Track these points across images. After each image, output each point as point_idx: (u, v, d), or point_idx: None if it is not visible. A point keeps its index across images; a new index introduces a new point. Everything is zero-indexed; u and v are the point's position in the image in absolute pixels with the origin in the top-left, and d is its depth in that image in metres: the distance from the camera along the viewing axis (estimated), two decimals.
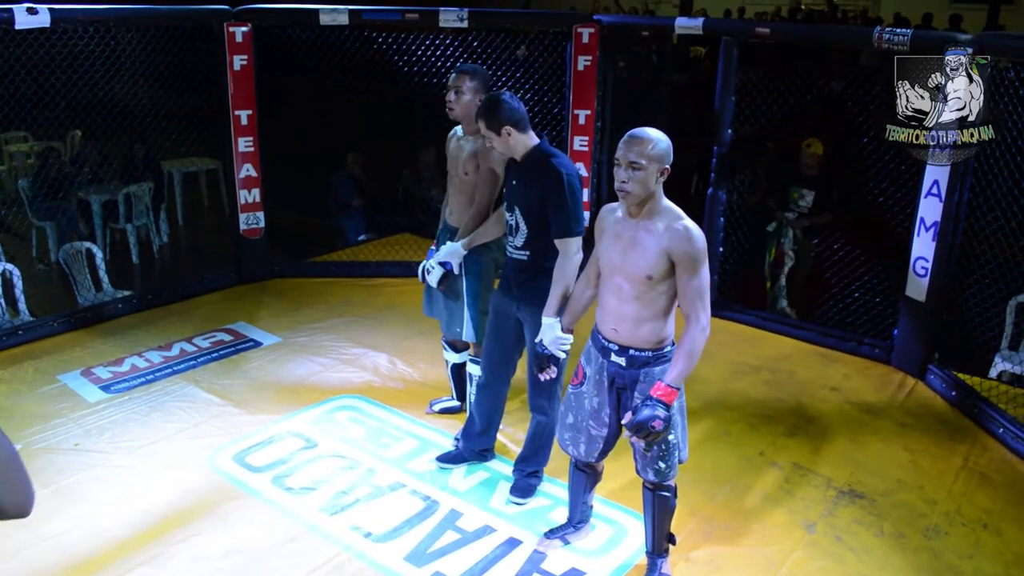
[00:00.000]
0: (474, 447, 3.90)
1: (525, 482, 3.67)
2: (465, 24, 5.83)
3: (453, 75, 3.72)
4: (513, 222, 3.40)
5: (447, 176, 3.98)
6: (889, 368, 5.10)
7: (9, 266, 5.29)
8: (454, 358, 4.24)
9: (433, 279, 3.85)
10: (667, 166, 2.72)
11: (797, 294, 5.97)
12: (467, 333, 3.93)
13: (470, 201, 3.82)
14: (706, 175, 5.90)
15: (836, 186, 5.88)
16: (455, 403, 4.39)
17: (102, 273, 5.75)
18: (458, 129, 3.91)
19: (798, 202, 5.77)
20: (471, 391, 4.07)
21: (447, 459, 3.94)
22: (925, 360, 4.93)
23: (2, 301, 5.18)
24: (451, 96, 3.71)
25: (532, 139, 3.35)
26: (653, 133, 2.73)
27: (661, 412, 2.68)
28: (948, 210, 4.61)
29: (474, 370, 4.00)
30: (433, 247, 4.03)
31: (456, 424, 4.16)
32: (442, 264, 3.81)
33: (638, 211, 2.77)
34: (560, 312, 3.24)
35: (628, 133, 2.75)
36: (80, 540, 3.35)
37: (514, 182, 3.40)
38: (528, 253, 3.39)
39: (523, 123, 3.32)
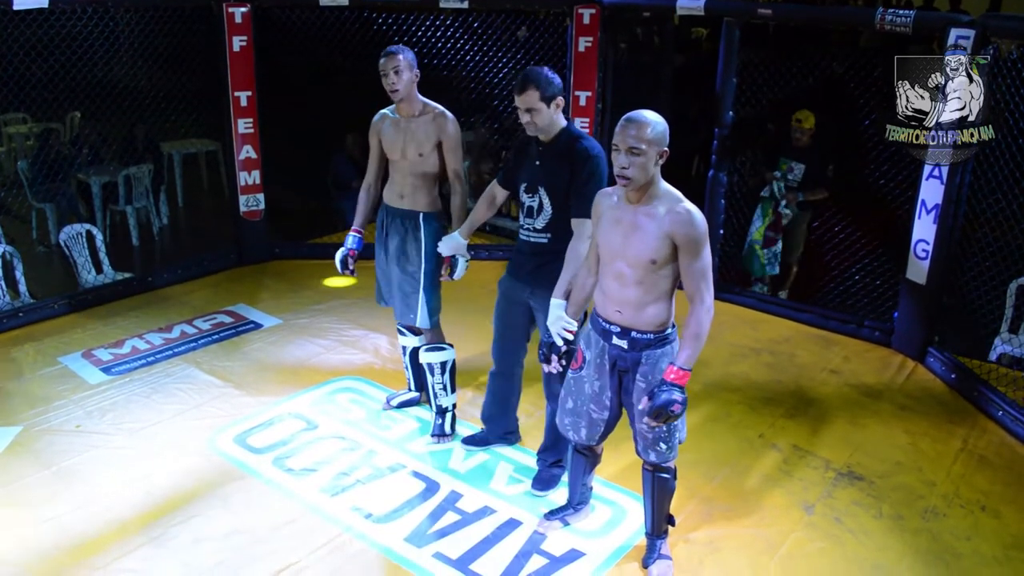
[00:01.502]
0: (497, 431, 3.90)
1: (548, 473, 3.65)
2: (466, 5, 5.79)
3: (383, 59, 3.60)
4: (535, 203, 3.35)
5: (379, 161, 3.88)
6: (889, 351, 5.10)
7: (9, 248, 5.29)
8: (412, 342, 4.12)
9: (461, 272, 3.76)
10: (665, 148, 2.71)
11: (790, 275, 5.93)
12: (421, 319, 3.84)
13: (423, 182, 3.75)
14: (707, 157, 5.88)
15: (828, 161, 5.74)
16: (414, 395, 4.29)
17: (102, 255, 5.75)
18: (386, 111, 3.82)
19: (787, 175, 5.64)
20: (436, 381, 3.92)
21: (473, 441, 3.93)
22: (925, 343, 4.93)
23: (2, 283, 5.18)
24: (391, 77, 3.59)
25: (563, 119, 3.33)
26: (650, 116, 2.70)
27: (678, 395, 2.69)
28: (949, 193, 4.60)
29: (431, 357, 3.90)
30: (356, 233, 3.91)
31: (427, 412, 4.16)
32: (452, 258, 3.73)
33: (638, 196, 2.75)
34: (568, 295, 3.23)
35: (625, 117, 2.72)
36: (81, 521, 3.37)
37: (537, 162, 3.34)
38: (549, 235, 3.35)
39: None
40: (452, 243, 3.71)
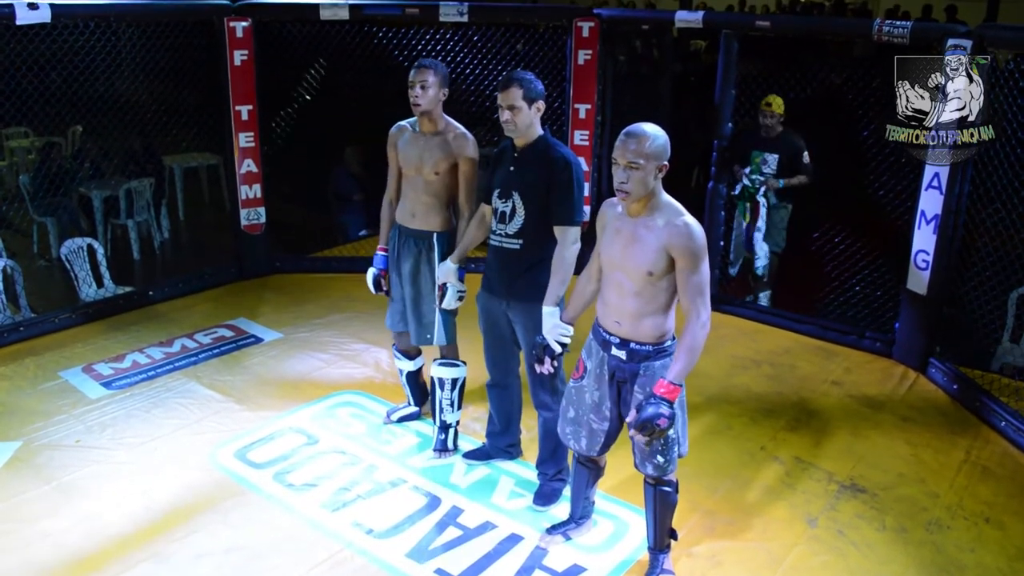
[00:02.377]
0: (499, 444, 3.89)
1: (549, 487, 3.63)
2: (465, 18, 5.82)
3: (414, 70, 3.56)
4: (507, 208, 3.35)
5: (398, 175, 3.81)
6: (890, 362, 5.09)
7: (10, 262, 5.30)
8: (408, 366, 4.11)
9: (452, 302, 3.69)
10: (665, 162, 2.71)
11: (777, 282, 5.89)
12: (438, 337, 3.82)
13: (437, 201, 3.70)
14: (706, 168, 5.88)
15: (802, 148, 5.59)
16: (413, 409, 4.27)
17: (103, 269, 5.75)
18: (406, 123, 3.77)
19: (761, 168, 5.53)
20: (444, 396, 3.87)
21: (474, 455, 3.92)
22: (926, 353, 4.92)
23: (3, 297, 5.19)
24: (416, 91, 3.56)
25: (540, 127, 3.35)
26: (649, 129, 2.71)
27: (665, 410, 2.68)
28: (949, 203, 4.61)
29: (442, 372, 3.86)
30: (383, 252, 3.87)
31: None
32: (442, 286, 3.68)
33: (638, 209, 2.76)
34: (559, 302, 3.24)
35: (624, 131, 2.73)
36: (81, 537, 3.36)
37: (512, 168, 3.36)
38: (521, 242, 3.35)
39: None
40: (444, 270, 3.67)
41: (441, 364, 3.89)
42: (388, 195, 3.91)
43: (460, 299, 3.71)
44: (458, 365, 3.90)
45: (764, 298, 5.84)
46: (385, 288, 3.93)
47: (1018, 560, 3.37)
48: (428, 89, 3.56)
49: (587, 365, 3.02)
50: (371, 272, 3.93)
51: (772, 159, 5.56)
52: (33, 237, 6.89)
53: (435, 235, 3.74)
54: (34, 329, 5.18)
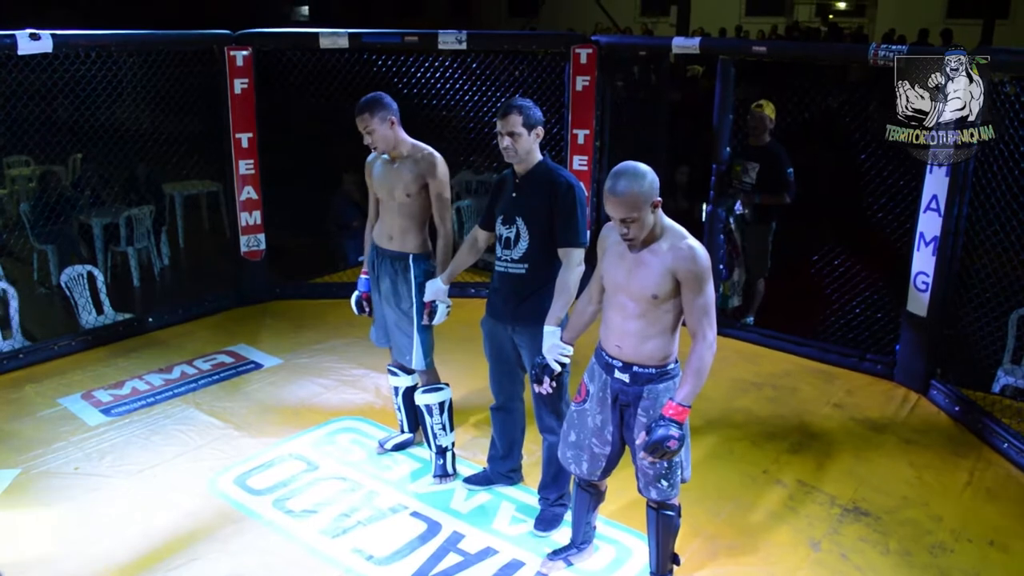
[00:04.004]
0: (500, 470, 3.87)
1: (550, 512, 3.61)
2: (464, 46, 5.87)
3: (357, 117, 3.59)
4: (512, 234, 3.38)
5: (376, 201, 3.86)
6: (891, 384, 5.08)
7: (5, 285, 5.29)
8: (404, 382, 4.10)
9: (441, 318, 3.76)
10: (658, 198, 2.73)
11: (755, 298, 5.85)
12: (416, 361, 3.83)
13: (412, 223, 3.74)
14: (702, 192, 5.90)
15: (786, 163, 5.46)
16: (407, 436, 4.24)
17: (103, 296, 5.76)
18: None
19: (742, 177, 5.41)
20: (434, 422, 3.87)
21: (475, 481, 3.90)
22: (928, 375, 4.91)
23: None
24: (367, 139, 3.62)
25: (539, 153, 3.38)
26: (633, 177, 2.68)
27: (675, 431, 2.68)
28: (947, 224, 4.62)
29: (428, 399, 3.87)
30: (365, 275, 3.96)
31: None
32: (431, 304, 3.73)
33: (642, 244, 2.77)
34: (562, 324, 3.24)
35: (608, 186, 2.70)
36: (80, 565, 3.33)
37: (514, 194, 3.39)
38: (527, 266, 3.37)
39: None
40: (433, 288, 3.71)
41: (425, 391, 3.90)
42: (369, 220, 3.99)
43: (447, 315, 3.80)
44: (442, 388, 3.92)
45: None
46: (368, 310, 4.02)
47: None
48: (376, 131, 3.61)
49: (590, 388, 3.01)
50: (355, 295, 4.02)
51: (754, 169, 5.48)
52: (33, 264, 6.90)
53: (411, 256, 3.77)
54: (33, 356, 5.18)
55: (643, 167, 2.73)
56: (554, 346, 3.18)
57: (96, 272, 5.78)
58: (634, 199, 2.66)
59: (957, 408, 4.67)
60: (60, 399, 4.72)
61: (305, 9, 23.12)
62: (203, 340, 5.61)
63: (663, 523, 3.02)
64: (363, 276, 4.00)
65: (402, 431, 4.26)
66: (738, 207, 5.49)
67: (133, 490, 3.86)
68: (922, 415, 4.74)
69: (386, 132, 3.63)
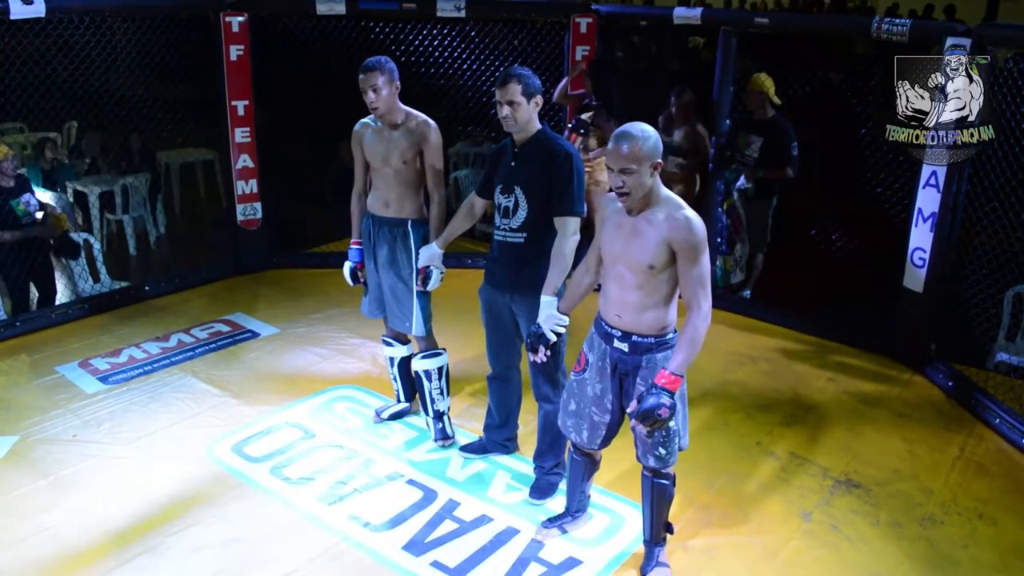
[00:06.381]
0: (497, 438, 3.90)
1: (545, 481, 3.64)
2: (463, 14, 5.81)
3: (362, 75, 3.57)
4: (511, 203, 3.38)
5: (365, 170, 3.87)
6: (886, 359, 5.10)
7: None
8: (400, 352, 4.12)
9: (435, 284, 3.77)
10: (659, 160, 2.73)
11: (753, 272, 5.87)
12: (416, 327, 3.86)
13: (408, 189, 3.75)
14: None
15: (790, 137, 5.36)
16: (403, 406, 4.26)
17: (99, 264, 5.74)
18: (367, 120, 3.80)
19: (743, 150, 5.37)
20: (433, 387, 3.91)
21: (471, 449, 3.93)
22: (922, 351, 4.93)
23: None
24: (371, 96, 3.58)
25: (538, 121, 3.36)
26: (638, 131, 2.71)
27: (666, 400, 2.70)
28: (946, 201, 4.62)
29: (427, 364, 3.90)
30: (357, 245, 3.94)
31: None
32: (426, 269, 3.73)
33: (639, 206, 2.77)
34: (559, 293, 3.25)
35: (614, 136, 2.73)
36: (79, 531, 3.36)
37: (513, 163, 3.38)
38: (525, 235, 3.37)
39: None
40: (428, 254, 3.73)
41: (423, 357, 3.93)
42: (356, 190, 3.97)
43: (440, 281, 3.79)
44: (440, 353, 3.95)
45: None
46: (362, 279, 4.00)
47: (1011, 555, 3.38)
48: (381, 91, 3.59)
49: (589, 358, 3.03)
50: (347, 265, 3.99)
51: (757, 142, 5.42)
52: None
53: (409, 222, 3.78)
54: (30, 324, 5.18)
55: (649, 128, 2.74)
56: (550, 316, 3.19)
57: (92, 240, 5.76)
58: (636, 152, 2.67)
59: (951, 383, 4.70)
60: (57, 367, 4.72)
61: None
62: (200, 309, 5.61)
63: (658, 491, 3.05)
64: (354, 246, 3.97)
65: (398, 401, 4.28)
66: (741, 182, 5.47)
67: (131, 457, 3.88)
68: (916, 390, 4.77)
69: (391, 94, 3.62)
